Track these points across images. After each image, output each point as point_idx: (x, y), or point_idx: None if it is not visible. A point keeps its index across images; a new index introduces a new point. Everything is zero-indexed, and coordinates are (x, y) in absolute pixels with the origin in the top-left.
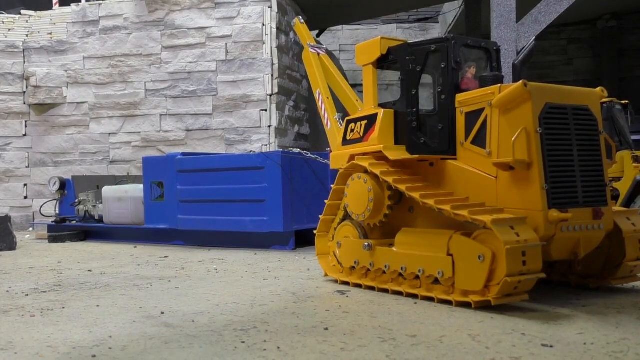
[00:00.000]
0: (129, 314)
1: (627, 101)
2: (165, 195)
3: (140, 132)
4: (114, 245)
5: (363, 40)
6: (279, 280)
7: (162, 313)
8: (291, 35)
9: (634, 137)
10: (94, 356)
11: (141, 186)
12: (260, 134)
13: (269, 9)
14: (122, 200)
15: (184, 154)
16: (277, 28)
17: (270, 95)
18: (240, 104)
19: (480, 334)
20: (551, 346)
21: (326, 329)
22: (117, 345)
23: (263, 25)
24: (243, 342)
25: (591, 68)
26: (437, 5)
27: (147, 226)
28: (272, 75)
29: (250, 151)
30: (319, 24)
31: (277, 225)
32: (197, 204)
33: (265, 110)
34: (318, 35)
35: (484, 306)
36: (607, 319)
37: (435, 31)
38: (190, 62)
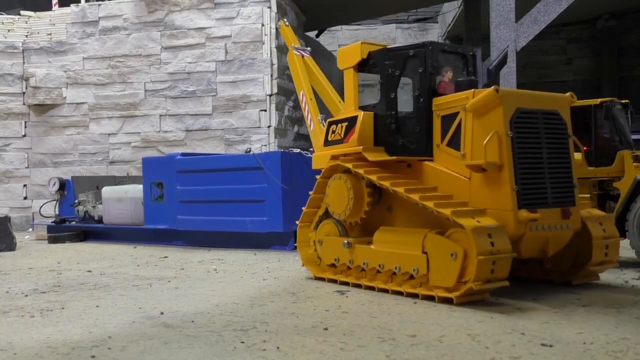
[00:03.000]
0: (128, 315)
1: (627, 100)
2: (164, 196)
3: (139, 133)
4: (113, 246)
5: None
6: (278, 281)
7: (162, 313)
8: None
9: (634, 137)
10: (93, 357)
11: (141, 186)
12: (259, 134)
13: (268, 9)
14: (122, 201)
15: (183, 154)
16: (277, 28)
17: (270, 96)
18: (240, 104)
19: (479, 333)
20: (551, 345)
21: (326, 329)
22: (116, 345)
23: (262, 25)
24: (242, 342)
25: (591, 67)
26: (436, 5)
27: (147, 226)
28: (271, 76)
29: (248, 149)
30: (318, 24)
31: (276, 225)
32: (196, 204)
33: (265, 111)
34: (317, 36)
35: (488, 305)
36: (607, 318)
37: (435, 31)
38: (190, 63)
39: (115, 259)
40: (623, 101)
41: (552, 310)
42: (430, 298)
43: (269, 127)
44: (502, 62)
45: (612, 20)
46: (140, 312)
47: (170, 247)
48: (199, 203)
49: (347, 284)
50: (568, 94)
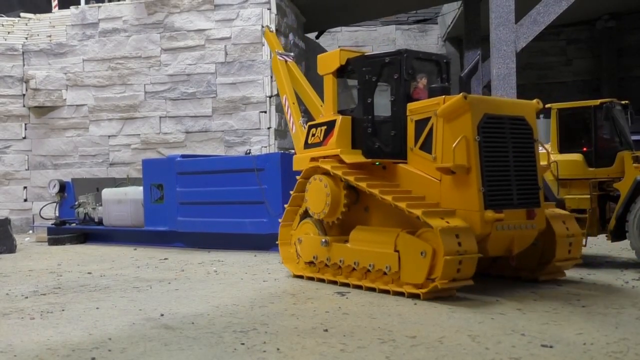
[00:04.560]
0: (128, 316)
1: (627, 101)
2: (164, 197)
3: (139, 135)
4: (114, 248)
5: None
6: (278, 282)
7: (162, 315)
8: (290, 36)
9: (634, 137)
10: (93, 358)
11: (141, 188)
12: (259, 135)
13: (268, 10)
14: (122, 203)
15: (183, 156)
16: (276, 30)
17: (270, 97)
18: (240, 106)
19: (480, 334)
20: (551, 346)
21: (326, 330)
22: (116, 347)
23: (262, 27)
24: (243, 344)
25: (590, 68)
26: (436, 7)
27: (147, 228)
28: (271, 77)
29: (248, 151)
30: (318, 26)
31: (276, 226)
32: (196, 205)
33: (265, 112)
34: (317, 37)
35: (488, 305)
36: (607, 319)
37: (434, 32)
38: (190, 64)
39: (116, 260)
40: (623, 102)
41: (552, 311)
42: (416, 296)
43: (268, 128)
44: (473, 70)
45: (612, 21)
46: (141, 313)
47: (171, 249)
48: (199, 205)
49: (323, 280)
50: (534, 100)
